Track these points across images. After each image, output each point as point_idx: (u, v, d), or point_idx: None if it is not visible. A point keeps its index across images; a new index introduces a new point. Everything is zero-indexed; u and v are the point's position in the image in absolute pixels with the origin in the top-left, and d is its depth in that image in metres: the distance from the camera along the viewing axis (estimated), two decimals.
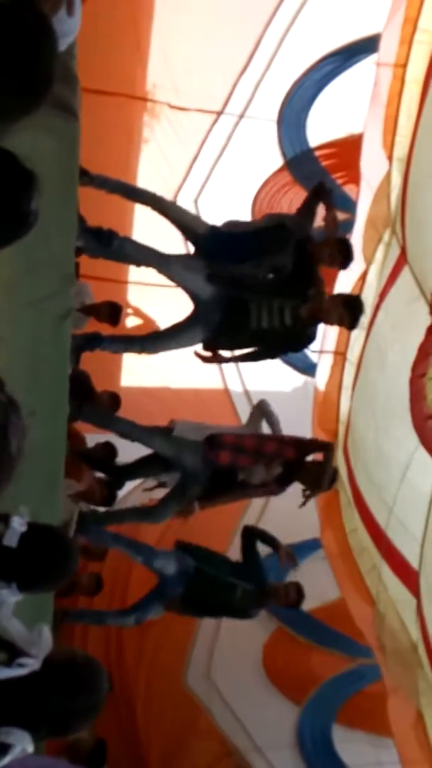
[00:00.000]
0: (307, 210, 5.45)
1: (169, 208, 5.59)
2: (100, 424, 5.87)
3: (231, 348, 6.05)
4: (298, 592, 6.02)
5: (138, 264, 5.67)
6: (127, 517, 6.32)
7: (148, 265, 5.55)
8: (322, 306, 5.38)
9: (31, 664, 2.04)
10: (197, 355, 5.71)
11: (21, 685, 2.03)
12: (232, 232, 5.43)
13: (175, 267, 5.40)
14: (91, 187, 5.12)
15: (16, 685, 2.03)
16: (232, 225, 5.49)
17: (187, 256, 5.63)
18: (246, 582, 5.96)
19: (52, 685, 2.07)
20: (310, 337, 5.61)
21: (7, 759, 2.03)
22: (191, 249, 5.70)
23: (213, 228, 5.44)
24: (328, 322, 5.58)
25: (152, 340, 5.66)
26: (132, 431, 5.71)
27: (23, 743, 2.02)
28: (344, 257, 5.43)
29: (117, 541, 6.45)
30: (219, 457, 5.60)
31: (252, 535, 6.20)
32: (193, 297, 5.39)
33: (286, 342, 5.71)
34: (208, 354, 5.65)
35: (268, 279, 5.46)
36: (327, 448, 5.93)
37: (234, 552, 6.61)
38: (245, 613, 6.18)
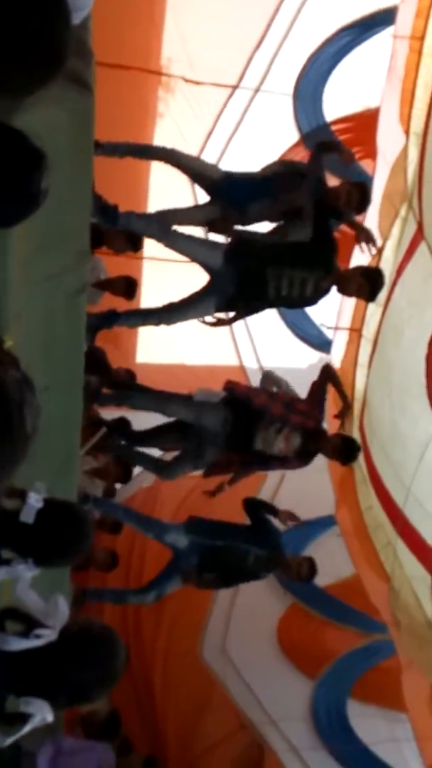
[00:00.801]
0: (314, 161, 5.44)
1: (182, 158, 5.59)
2: (117, 403, 5.91)
3: (246, 315, 6.03)
4: (311, 567, 6.03)
5: (147, 237, 5.66)
6: (144, 461, 6.28)
7: (154, 239, 5.53)
8: (340, 275, 5.35)
9: (47, 635, 2.06)
10: (202, 321, 5.71)
11: (39, 656, 2.05)
12: (246, 174, 5.43)
13: (184, 241, 5.38)
14: (102, 156, 5.09)
15: (34, 655, 2.04)
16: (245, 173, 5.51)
17: (197, 209, 5.58)
18: (258, 548, 5.99)
19: (70, 655, 2.09)
20: (315, 302, 5.58)
21: (28, 728, 2.06)
22: (200, 200, 5.71)
23: (227, 173, 5.44)
24: (347, 292, 5.54)
25: (168, 312, 5.64)
26: (150, 404, 5.74)
27: (43, 712, 2.05)
28: (362, 196, 5.34)
29: (128, 516, 6.50)
30: (237, 386, 5.66)
31: (253, 504, 6.22)
32: (206, 268, 5.38)
33: (295, 305, 5.73)
34: (212, 320, 5.63)
35: (289, 247, 5.40)
36: (327, 371, 5.92)
37: None
38: (256, 576, 6.23)
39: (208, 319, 5.60)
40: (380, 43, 6.76)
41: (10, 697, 2.09)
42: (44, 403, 1.40)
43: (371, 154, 6.80)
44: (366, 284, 5.32)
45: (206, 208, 5.48)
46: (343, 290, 5.47)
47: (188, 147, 7.20)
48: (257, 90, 7.22)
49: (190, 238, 5.41)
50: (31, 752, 4.77)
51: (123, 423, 6.33)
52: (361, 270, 5.51)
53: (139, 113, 7.18)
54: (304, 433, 5.58)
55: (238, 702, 7.34)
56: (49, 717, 2.07)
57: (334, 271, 5.30)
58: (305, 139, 7.30)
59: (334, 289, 5.41)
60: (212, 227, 5.51)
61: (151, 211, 5.74)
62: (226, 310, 5.52)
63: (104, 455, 6.56)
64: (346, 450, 5.82)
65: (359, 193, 5.31)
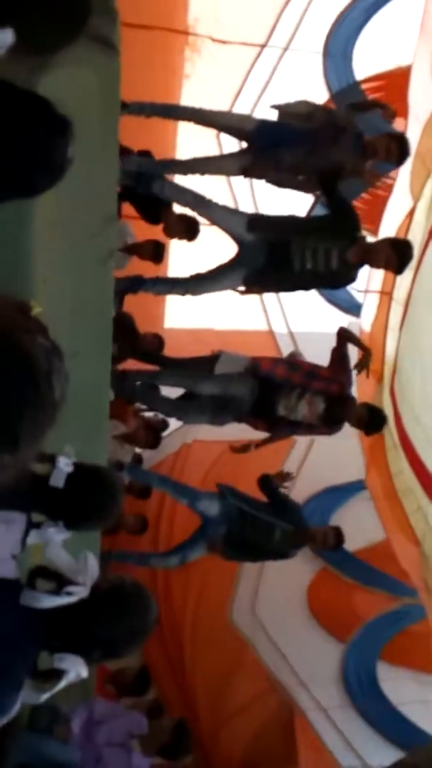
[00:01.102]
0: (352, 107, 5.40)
1: (211, 116, 5.53)
2: (150, 386, 5.96)
3: (274, 289, 5.99)
4: (337, 536, 6.03)
5: (180, 205, 5.64)
6: (162, 403, 6.18)
7: (188, 207, 5.52)
8: (368, 248, 5.29)
9: (79, 592, 2.09)
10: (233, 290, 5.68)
11: (71, 613, 2.08)
12: (281, 123, 5.35)
13: (215, 210, 5.35)
14: (128, 115, 5.04)
15: (66, 612, 2.07)
16: (282, 113, 5.41)
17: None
18: (285, 523, 5.99)
19: (102, 610, 2.12)
20: (353, 278, 5.52)
21: (63, 683, 2.09)
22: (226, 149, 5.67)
23: (262, 121, 5.38)
24: (375, 264, 5.47)
25: (196, 283, 5.62)
26: (178, 382, 5.77)
27: (77, 668, 2.09)
28: (401, 150, 5.28)
29: (163, 483, 6.57)
30: (261, 364, 5.65)
31: (266, 481, 6.21)
32: (236, 240, 5.36)
33: (328, 283, 5.67)
34: (242, 288, 5.59)
35: (313, 220, 5.39)
36: (343, 334, 5.85)
37: None
38: (284, 554, 6.21)
39: (239, 288, 5.57)
40: None
41: (43, 654, 2.13)
42: (73, 368, 1.39)
43: (402, 112, 6.67)
44: (394, 256, 5.24)
45: (237, 157, 5.42)
46: (371, 262, 5.39)
47: (216, 108, 7.12)
48: (286, 48, 7.09)
49: (223, 209, 5.39)
50: (66, 716, 4.85)
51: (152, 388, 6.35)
52: (390, 242, 5.42)
53: (165, 74, 7.09)
54: (328, 398, 5.54)
55: (267, 664, 7.41)
56: (84, 672, 2.11)
57: (358, 241, 5.24)
58: (335, 98, 7.18)
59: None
60: (247, 173, 5.45)
61: (183, 158, 5.68)
62: (255, 281, 5.48)
63: (134, 419, 6.59)
64: (371, 420, 5.75)
65: (398, 146, 5.24)
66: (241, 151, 5.42)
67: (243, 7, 6.92)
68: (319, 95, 7.23)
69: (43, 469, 2.28)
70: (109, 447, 5.31)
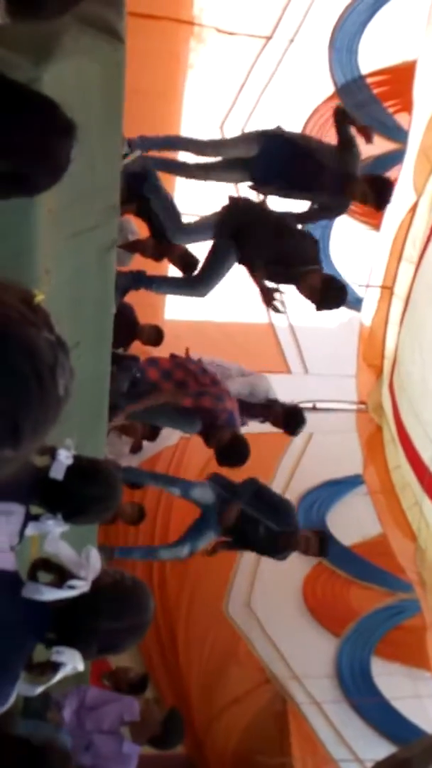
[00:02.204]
0: (343, 142, 5.21)
1: (212, 152, 5.49)
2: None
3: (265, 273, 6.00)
4: (320, 543, 5.84)
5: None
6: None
7: (163, 222, 5.56)
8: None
9: (80, 586, 2.09)
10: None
11: (71, 606, 2.09)
12: (276, 155, 5.28)
13: (190, 234, 5.47)
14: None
15: (66, 606, 2.08)
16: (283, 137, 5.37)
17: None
18: (271, 522, 5.88)
19: (101, 605, 2.12)
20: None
21: (59, 676, 2.10)
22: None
23: (261, 151, 5.26)
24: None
25: (200, 282, 5.61)
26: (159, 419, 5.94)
27: (74, 662, 2.09)
28: (378, 196, 5.11)
29: (154, 479, 6.54)
30: (148, 372, 5.65)
31: (253, 481, 6.19)
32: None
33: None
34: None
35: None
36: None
37: (276, 488, 6.66)
38: (271, 552, 6.10)
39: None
40: None
41: (39, 646, 2.13)
42: (74, 360, 1.38)
43: (407, 107, 6.67)
44: (319, 294, 5.24)
45: (238, 173, 5.40)
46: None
47: (220, 100, 7.10)
48: (292, 41, 7.06)
49: (195, 229, 5.42)
50: (58, 702, 4.86)
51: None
52: (324, 279, 5.40)
53: (170, 65, 7.05)
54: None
55: (262, 657, 7.43)
56: (80, 666, 2.12)
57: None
58: (340, 91, 7.16)
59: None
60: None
61: (185, 161, 5.66)
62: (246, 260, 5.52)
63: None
64: (226, 452, 5.66)
65: (375, 192, 5.10)
66: (243, 169, 5.37)
67: None
68: (325, 88, 7.22)
69: (43, 461, 2.28)
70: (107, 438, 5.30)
